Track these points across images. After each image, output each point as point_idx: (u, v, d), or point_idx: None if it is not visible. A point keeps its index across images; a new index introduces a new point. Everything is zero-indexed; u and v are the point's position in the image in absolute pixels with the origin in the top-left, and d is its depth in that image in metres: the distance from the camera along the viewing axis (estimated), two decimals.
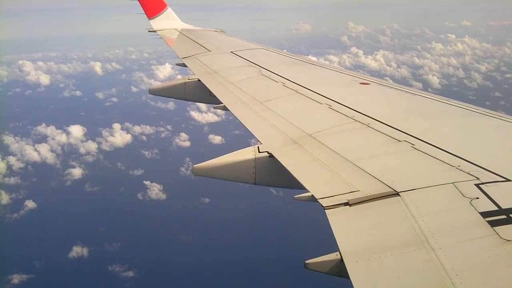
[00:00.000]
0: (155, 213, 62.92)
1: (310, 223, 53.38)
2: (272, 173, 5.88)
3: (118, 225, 58.97)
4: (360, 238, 3.85)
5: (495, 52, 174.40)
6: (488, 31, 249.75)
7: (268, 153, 5.88)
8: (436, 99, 7.65)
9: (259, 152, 5.94)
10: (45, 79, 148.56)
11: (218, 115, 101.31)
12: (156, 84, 14.94)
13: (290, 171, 5.20)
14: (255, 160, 5.89)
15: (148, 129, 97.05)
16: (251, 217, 59.40)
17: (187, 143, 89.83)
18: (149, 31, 17.38)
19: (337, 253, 3.88)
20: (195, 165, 6.17)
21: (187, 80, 10.33)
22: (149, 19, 17.83)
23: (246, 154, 5.99)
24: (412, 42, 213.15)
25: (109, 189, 70.61)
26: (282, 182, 5.82)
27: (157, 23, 17.76)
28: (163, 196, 67.83)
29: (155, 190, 68.62)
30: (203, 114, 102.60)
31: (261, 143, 6.16)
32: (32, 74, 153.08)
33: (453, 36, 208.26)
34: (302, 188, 4.77)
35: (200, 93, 10.10)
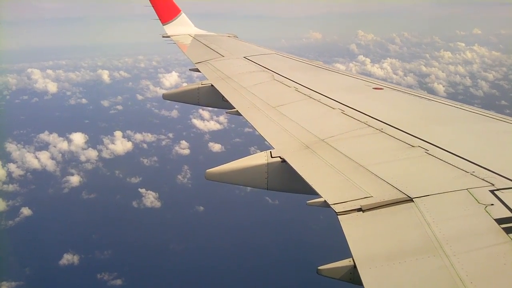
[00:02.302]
0: (149, 221, 62.97)
1: (307, 231, 53.23)
2: (285, 178, 5.87)
3: (111, 233, 59.18)
4: (374, 244, 3.79)
5: (505, 60, 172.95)
6: (499, 39, 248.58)
7: (281, 158, 5.85)
8: (450, 104, 7.54)
9: (271, 157, 5.91)
10: (52, 87, 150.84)
11: (220, 123, 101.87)
12: (168, 90, 15.55)
13: (302, 176, 5.15)
14: (268, 165, 5.87)
15: (149, 137, 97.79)
16: (245, 226, 59.21)
17: (187, 151, 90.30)
18: (163, 37, 17.47)
19: (350, 259, 3.82)
20: (207, 170, 6.11)
21: (200, 85, 10.40)
22: (163, 25, 17.86)
23: (259, 159, 5.96)
24: (422, 50, 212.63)
25: (105, 196, 70.86)
26: (295, 187, 5.78)
27: (171, 29, 17.80)
28: (158, 204, 67.98)
29: (150, 198, 68.81)
30: (205, 122, 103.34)
31: (274, 148, 6.14)
32: (40, 82, 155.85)
33: (463, 44, 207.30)
34: (315, 194, 4.72)
35: (213, 98, 10.16)
